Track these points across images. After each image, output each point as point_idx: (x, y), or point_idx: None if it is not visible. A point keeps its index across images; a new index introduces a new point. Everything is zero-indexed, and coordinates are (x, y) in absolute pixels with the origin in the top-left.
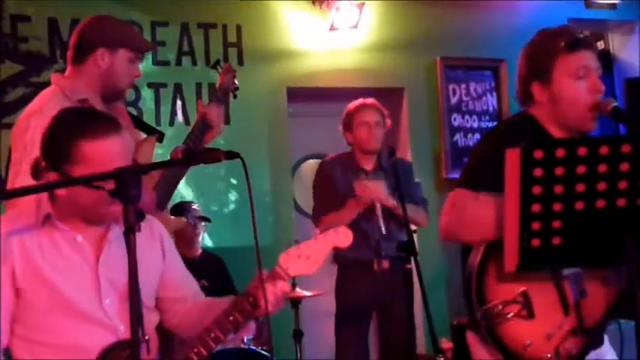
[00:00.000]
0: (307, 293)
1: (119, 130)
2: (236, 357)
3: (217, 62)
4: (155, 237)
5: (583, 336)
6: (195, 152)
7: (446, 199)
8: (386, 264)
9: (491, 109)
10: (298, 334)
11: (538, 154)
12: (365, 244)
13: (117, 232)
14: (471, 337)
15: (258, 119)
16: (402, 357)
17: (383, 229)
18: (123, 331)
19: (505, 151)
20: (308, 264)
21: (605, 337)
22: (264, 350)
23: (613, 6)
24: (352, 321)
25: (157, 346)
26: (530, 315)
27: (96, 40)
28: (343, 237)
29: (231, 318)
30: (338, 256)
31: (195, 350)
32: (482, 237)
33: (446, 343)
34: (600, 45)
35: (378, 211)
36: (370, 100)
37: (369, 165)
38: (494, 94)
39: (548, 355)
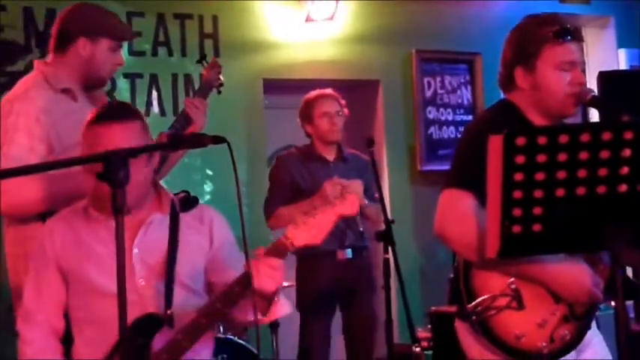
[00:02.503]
0: (285, 283)
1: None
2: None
3: (203, 57)
4: (205, 223)
5: (575, 321)
6: (182, 137)
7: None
8: (348, 254)
9: (465, 102)
10: (274, 325)
11: (520, 141)
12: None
13: (158, 217)
14: (460, 327)
15: (234, 111)
16: (366, 347)
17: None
18: (154, 309)
19: (484, 144)
20: (314, 234)
21: (599, 335)
22: (242, 340)
23: (587, 1)
24: (315, 312)
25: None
26: (521, 306)
27: (77, 29)
28: (350, 204)
29: (218, 306)
30: None
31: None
32: (469, 238)
33: (422, 333)
34: None
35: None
36: (328, 90)
37: (330, 155)
38: (469, 87)
39: (543, 344)
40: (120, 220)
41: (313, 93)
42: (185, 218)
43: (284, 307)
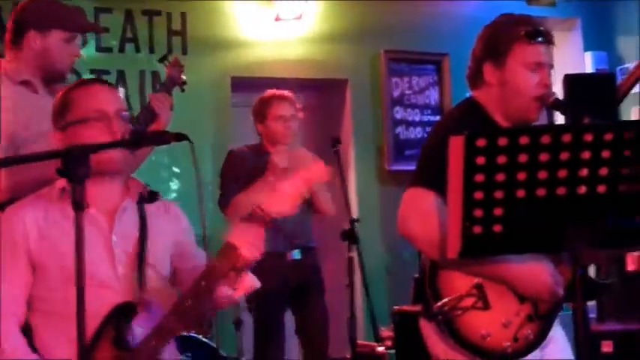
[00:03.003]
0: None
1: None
2: (178, 344)
3: (165, 56)
4: (168, 214)
5: (539, 321)
6: (144, 134)
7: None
8: (296, 255)
9: (433, 103)
10: (239, 323)
11: (481, 142)
12: (276, 234)
13: (129, 203)
14: (425, 326)
15: (201, 108)
16: (320, 347)
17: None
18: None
19: (446, 145)
20: (287, 202)
21: (561, 331)
22: (207, 338)
23: (553, 3)
24: (266, 313)
25: (158, 307)
26: (486, 306)
27: (26, 22)
28: (319, 171)
29: (203, 284)
30: None
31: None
32: (432, 236)
33: (385, 332)
34: None
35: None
36: (285, 92)
37: (275, 149)
38: (437, 88)
39: (507, 344)
40: (80, 217)
41: (269, 93)
42: (150, 208)
43: (253, 281)
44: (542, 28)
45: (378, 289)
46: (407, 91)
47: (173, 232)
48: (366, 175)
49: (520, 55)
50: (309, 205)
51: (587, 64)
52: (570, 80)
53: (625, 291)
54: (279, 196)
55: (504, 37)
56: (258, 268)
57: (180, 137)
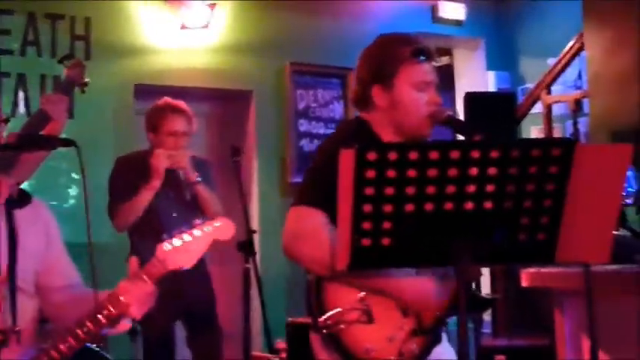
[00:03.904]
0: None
1: None
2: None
3: (65, 57)
4: (39, 221)
5: (423, 335)
6: (30, 138)
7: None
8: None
9: (337, 116)
10: (133, 333)
11: (371, 155)
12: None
13: None
14: (314, 339)
15: (104, 115)
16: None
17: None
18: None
19: (336, 163)
20: (187, 257)
21: (444, 336)
22: (99, 347)
23: (459, 22)
24: (155, 324)
25: (31, 335)
26: (371, 320)
27: None
28: (225, 230)
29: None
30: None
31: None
32: (320, 253)
33: (281, 344)
34: (446, 60)
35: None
36: (181, 105)
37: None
38: (341, 101)
39: (392, 358)
40: None
41: (164, 102)
42: (19, 214)
43: (126, 324)
44: (425, 46)
45: (279, 301)
46: (312, 104)
47: (44, 245)
48: (269, 186)
49: (407, 76)
50: (198, 209)
51: (490, 83)
52: (471, 98)
53: (519, 307)
54: (181, 251)
55: (390, 59)
56: None
57: (67, 142)
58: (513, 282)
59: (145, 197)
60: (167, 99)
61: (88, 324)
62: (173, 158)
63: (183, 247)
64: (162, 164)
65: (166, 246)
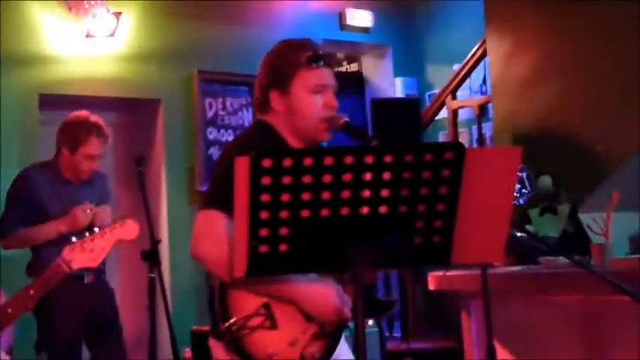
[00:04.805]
0: None
1: None
2: None
3: None
4: None
5: (325, 339)
6: None
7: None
8: (91, 277)
9: (246, 124)
10: (39, 346)
11: (266, 163)
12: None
13: None
14: (214, 345)
15: (7, 126)
16: None
17: None
18: None
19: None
20: (91, 257)
21: (343, 337)
22: None
23: (366, 30)
24: (63, 342)
25: None
26: (274, 325)
27: None
28: (129, 230)
29: None
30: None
31: None
32: (224, 258)
33: (188, 352)
34: (354, 67)
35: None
36: (103, 127)
37: (73, 177)
38: (250, 109)
39: None
40: None
41: (87, 122)
42: None
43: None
44: (322, 52)
45: (189, 310)
46: (220, 112)
47: None
48: (177, 195)
49: (303, 81)
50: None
51: (397, 89)
52: (376, 104)
53: (427, 310)
54: (85, 251)
55: (287, 64)
56: (50, 296)
57: None
58: (422, 286)
59: (49, 235)
60: (91, 117)
61: None
62: (96, 216)
63: (87, 246)
64: (85, 221)
65: (72, 247)
